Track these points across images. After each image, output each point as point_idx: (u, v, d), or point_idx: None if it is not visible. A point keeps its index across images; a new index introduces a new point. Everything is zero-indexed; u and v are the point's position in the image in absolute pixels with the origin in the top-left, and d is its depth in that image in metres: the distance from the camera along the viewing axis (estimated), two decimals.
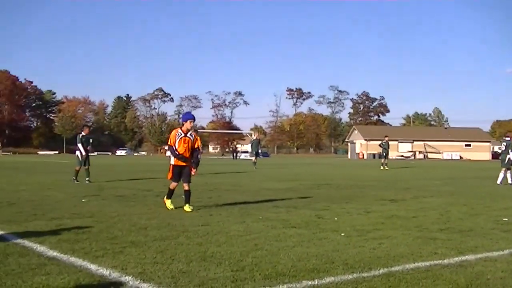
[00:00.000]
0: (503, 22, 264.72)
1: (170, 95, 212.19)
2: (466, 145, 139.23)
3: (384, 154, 48.60)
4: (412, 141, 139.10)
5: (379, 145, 50.32)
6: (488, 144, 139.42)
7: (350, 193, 20.63)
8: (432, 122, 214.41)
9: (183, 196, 14.86)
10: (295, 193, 20.41)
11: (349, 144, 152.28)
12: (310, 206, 15.67)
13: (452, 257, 8.66)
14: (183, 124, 14.79)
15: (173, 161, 14.80)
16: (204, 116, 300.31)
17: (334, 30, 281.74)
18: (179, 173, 14.82)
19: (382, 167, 46.77)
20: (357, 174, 37.91)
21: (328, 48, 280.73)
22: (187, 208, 14.55)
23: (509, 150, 26.69)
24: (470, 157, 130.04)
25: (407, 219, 13.07)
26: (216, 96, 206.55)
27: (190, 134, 14.76)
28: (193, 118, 15.01)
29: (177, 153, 14.57)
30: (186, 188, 14.77)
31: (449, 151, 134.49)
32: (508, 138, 27.48)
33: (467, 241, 10.09)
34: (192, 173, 15.06)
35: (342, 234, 10.80)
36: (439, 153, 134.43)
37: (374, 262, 8.26)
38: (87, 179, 25.56)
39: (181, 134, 14.63)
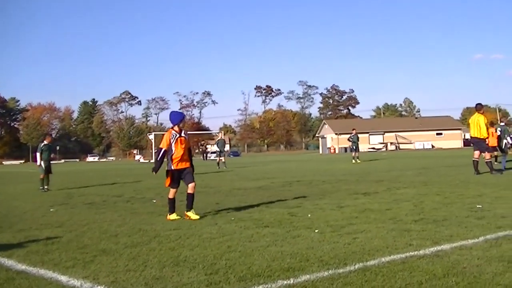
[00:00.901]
0: (468, 9, 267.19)
1: (137, 98, 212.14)
2: (437, 134, 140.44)
3: (354, 147, 48.73)
4: (383, 132, 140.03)
5: (348, 139, 50.51)
6: (459, 131, 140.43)
7: (322, 188, 20.57)
8: (403, 113, 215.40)
9: (186, 201, 13.67)
10: (267, 191, 20.38)
11: (320, 139, 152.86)
12: (282, 204, 15.59)
13: (427, 247, 8.58)
14: (174, 125, 13.76)
15: (171, 165, 13.64)
16: None
17: (300, 25, 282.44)
18: (178, 178, 13.71)
19: (353, 161, 46.85)
20: (329, 169, 37.91)
21: (295, 43, 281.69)
22: (192, 214, 13.38)
23: (505, 135, 27.02)
24: (442, 146, 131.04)
25: (381, 212, 13.01)
26: (184, 96, 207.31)
27: (185, 133, 13.84)
28: (184, 117, 14.39)
29: (161, 159, 13.64)
30: (190, 191, 13.59)
31: (421, 140, 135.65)
32: (503, 124, 27.84)
33: (442, 231, 10.04)
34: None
35: (316, 230, 10.71)
36: (411, 143, 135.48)
37: (349, 257, 8.18)
38: (46, 186, 25.62)
39: (176, 135, 13.57)
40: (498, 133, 27.86)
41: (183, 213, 13.47)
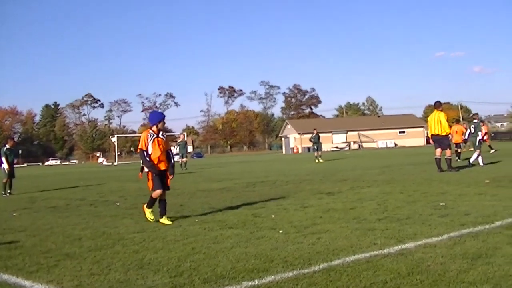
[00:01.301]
0: (429, 6, 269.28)
1: (99, 100, 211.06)
2: (400, 132, 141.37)
3: (316, 147, 48.98)
4: (346, 131, 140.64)
5: (310, 140, 50.61)
6: (421, 129, 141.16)
7: (286, 189, 20.58)
8: (366, 111, 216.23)
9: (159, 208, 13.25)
10: (230, 192, 20.32)
11: (283, 139, 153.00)
12: (246, 205, 15.55)
13: (391, 246, 8.62)
14: (152, 126, 13.32)
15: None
16: (134, 120, 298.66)
17: (261, 25, 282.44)
18: (160, 179, 13.21)
19: (316, 160, 47.05)
20: (293, 169, 37.91)
21: (257, 43, 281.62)
22: (165, 220, 12.90)
23: (478, 132, 27.45)
24: (405, 144, 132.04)
25: (345, 211, 13.04)
26: (146, 98, 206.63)
27: (162, 135, 13.38)
28: (164, 117, 13.63)
29: (148, 159, 13.08)
30: (163, 197, 13.25)
31: (384, 139, 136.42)
32: (476, 120, 28.31)
33: (406, 229, 10.09)
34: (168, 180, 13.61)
35: (280, 231, 10.71)
36: (374, 142, 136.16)
37: (314, 257, 8.18)
38: (8, 191, 25.49)
39: (153, 135, 13.14)
40: (472, 130, 28.31)
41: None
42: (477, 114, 30.07)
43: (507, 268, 6.98)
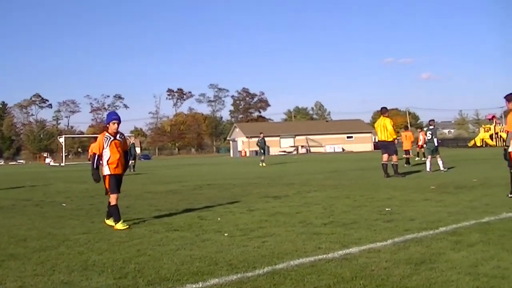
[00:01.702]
0: (378, 12, 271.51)
1: (48, 101, 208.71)
2: (348, 137, 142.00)
3: (262, 151, 49.29)
4: (294, 136, 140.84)
5: (256, 144, 50.76)
6: (369, 135, 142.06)
7: (233, 192, 20.59)
8: (314, 116, 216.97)
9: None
10: (177, 195, 20.25)
11: (231, 142, 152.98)
12: (192, 208, 15.52)
13: (336, 250, 8.68)
14: (107, 127, 12.85)
15: (108, 170, 12.57)
16: (83, 121, 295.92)
17: (211, 27, 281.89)
18: (118, 183, 12.70)
19: (260, 164, 47.07)
20: (240, 173, 37.97)
21: (206, 46, 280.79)
22: (111, 222, 12.45)
23: (434, 138, 27.78)
24: (353, 149, 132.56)
25: (291, 215, 13.08)
26: (95, 99, 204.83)
27: (120, 136, 12.91)
28: (118, 118, 13.00)
29: (95, 167, 12.63)
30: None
31: (332, 144, 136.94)
32: (432, 127, 28.67)
33: (351, 234, 10.16)
34: None
35: (226, 234, 10.73)
36: (322, 146, 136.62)
37: (259, 260, 8.20)
38: None
39: (109, 138, 12.63)
40: (429, 136, 28.60)
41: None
42: (433, 120, 30.44)
43: (449, 273, 7.07)
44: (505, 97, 15.49)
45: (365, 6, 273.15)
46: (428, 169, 27.80)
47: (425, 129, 33.38)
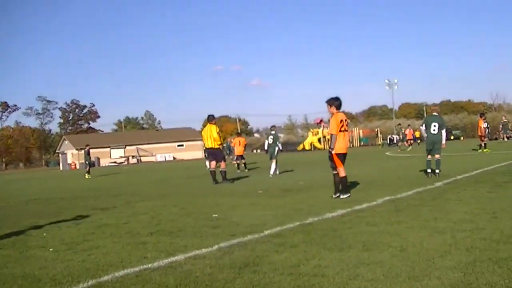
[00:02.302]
0: (205, 20, 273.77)
1: None
2: (179, 146, 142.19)
3: (87, 163, 49.38)
4: (124, 146, 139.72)
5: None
6: (200, 142, 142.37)
7: (59, 206, 20.05)
8: (144, 125, 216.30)
9: None
10: (1, 211, 19.57)
11: (60, 155, 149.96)
12: (18, 225, 14.90)
13: (161, 259, 8.64)
14: None
15: None
16: None
17: (36, 38, 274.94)
18: None
19: (86, 176, 46.60)
20: (68, 186, 37.23)
21: (33, 58, 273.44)
22: None
23: (277, 142, 28.42)
24: (184, 157, 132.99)
25: (118, 226, 12.93)
26: None
27: None
28: None
29: None
30: None
31: (163, 152, 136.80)
32: (273, 132, 29.29)
33: (177, 242, 10.16)
34: None
35: (51, 249, 10.43)
36: (153, 155, 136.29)
37: (83, 274, 8.04)
38: None
39: None
40: (270, 141, 29.54)
41: None
42: (274, 126, 31.14)
43: (272, 275, 7.20)
44: (326, 102, 16.00)
45: (196, 16, 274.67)
46: (271, 172, 28.60)
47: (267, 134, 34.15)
